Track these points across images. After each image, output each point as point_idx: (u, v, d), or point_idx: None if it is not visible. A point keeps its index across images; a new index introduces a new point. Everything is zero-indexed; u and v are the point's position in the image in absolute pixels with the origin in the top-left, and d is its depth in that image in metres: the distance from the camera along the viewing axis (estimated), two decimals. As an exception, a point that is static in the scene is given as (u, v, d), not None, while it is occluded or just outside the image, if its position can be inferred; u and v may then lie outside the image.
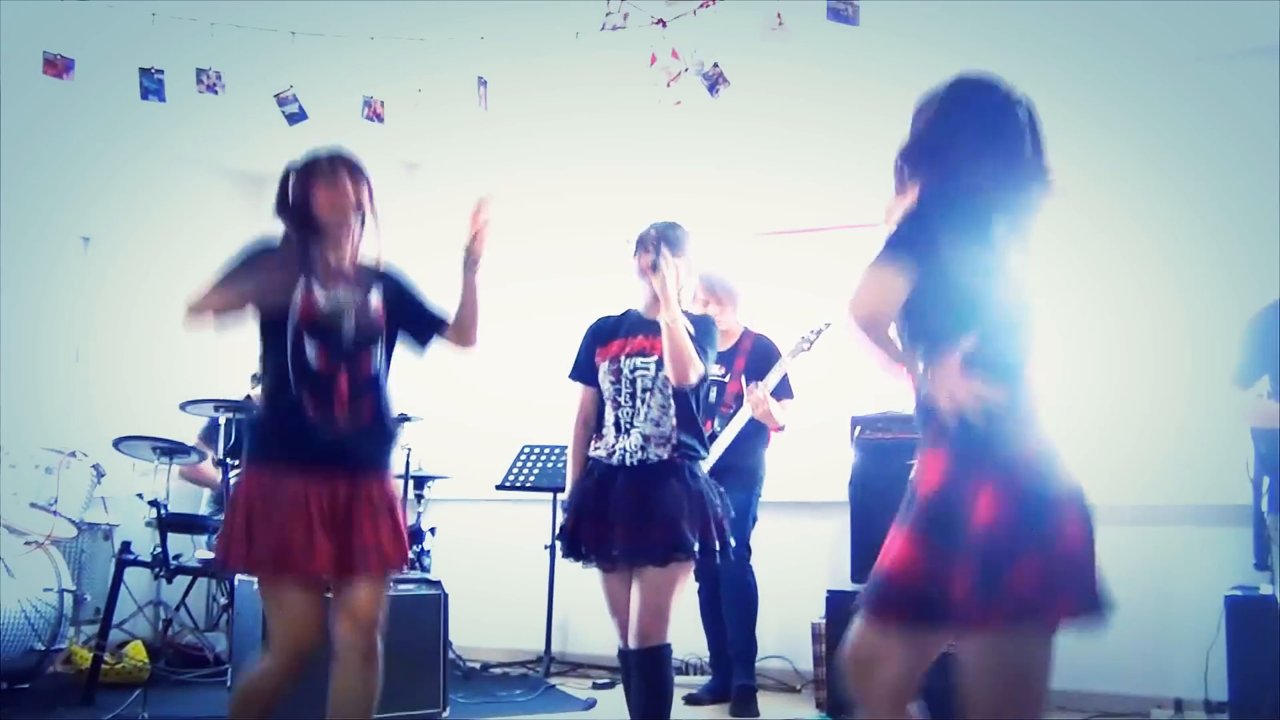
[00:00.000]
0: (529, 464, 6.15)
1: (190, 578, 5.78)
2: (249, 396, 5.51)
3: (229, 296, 3.03)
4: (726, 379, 5.18)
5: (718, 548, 3.42)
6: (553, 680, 5.87)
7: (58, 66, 4.88)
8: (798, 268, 6.16)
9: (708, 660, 5.52)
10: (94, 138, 6.53)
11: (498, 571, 6.47)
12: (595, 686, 5.72)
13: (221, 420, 5.41)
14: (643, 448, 3.46)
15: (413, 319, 3.25)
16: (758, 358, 5.20)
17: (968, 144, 2.31)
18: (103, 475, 5.52)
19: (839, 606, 4.90)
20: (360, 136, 5.94)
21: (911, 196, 2.34)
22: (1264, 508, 4.02)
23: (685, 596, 3.71)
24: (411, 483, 5.83)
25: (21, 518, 5.18)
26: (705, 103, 4.92)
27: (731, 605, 5.14)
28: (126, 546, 5.31)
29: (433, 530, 5.75)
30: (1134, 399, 5.26)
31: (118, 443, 5.51)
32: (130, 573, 5.33)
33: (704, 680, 5.50)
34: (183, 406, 5.51)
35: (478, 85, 5.08)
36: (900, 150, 2.38)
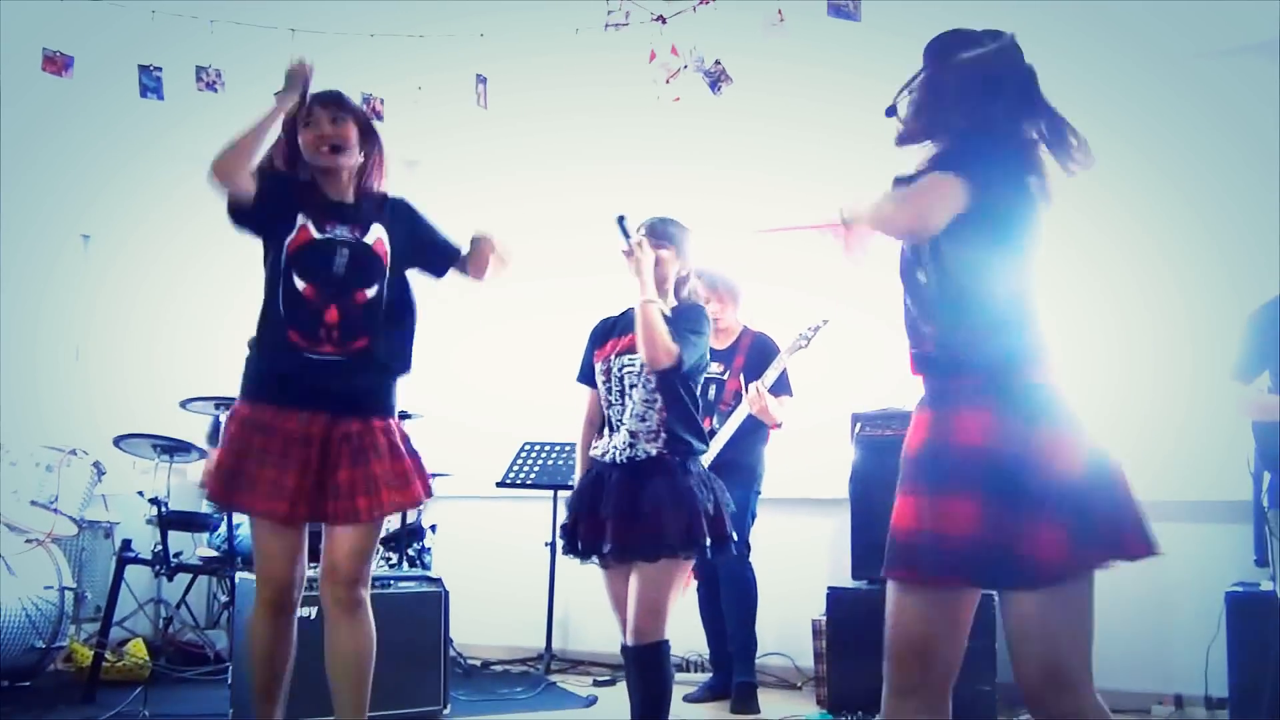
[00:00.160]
0: (530, 461, 6.15)
1: (191, 575, 5.79)
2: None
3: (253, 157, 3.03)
4: (725, 376, 5.19)
5: (708, 543, 3.39)
6: (553, 677, 5.87)
7: (57, 63, 4.88)
8: (797, 267, 6.15)
9: (708, 657, 5.52)
10: (94, 136, 6.52)
11: (498, 569, 6.47)
12: (596, 684, 5.72)
13: (222, 418, 5.41)
14: (630, 444, 3.46)
15: (425, 249, 3.26)
16: (757, 355, 5.21)
17: (1007, 97, 2.26)
18: (103, 473, 5.52)
19: (840, 603, 4.91)
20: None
21: (927, 150, 2.30)
22: (1265, 503, 4.03)
23: (685, 593, 3.71)
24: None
25: (22, 515, 5.19)
26: (705, 102, 4.91)
27: (731, 602, 5.14)
28: (127, 544, 5.31)
29: (433, 528, 5.76)
30: (1133, 395, 5.26)
31: (118, 440, 5.51)
32: (131, 570, 5.33)
33: (704, 678, 5.50)
34: (183, 404, 5.51)
35: (476, 83, 5.07)
36: (921, 97, 2.31)
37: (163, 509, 5.23)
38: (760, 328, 5.34)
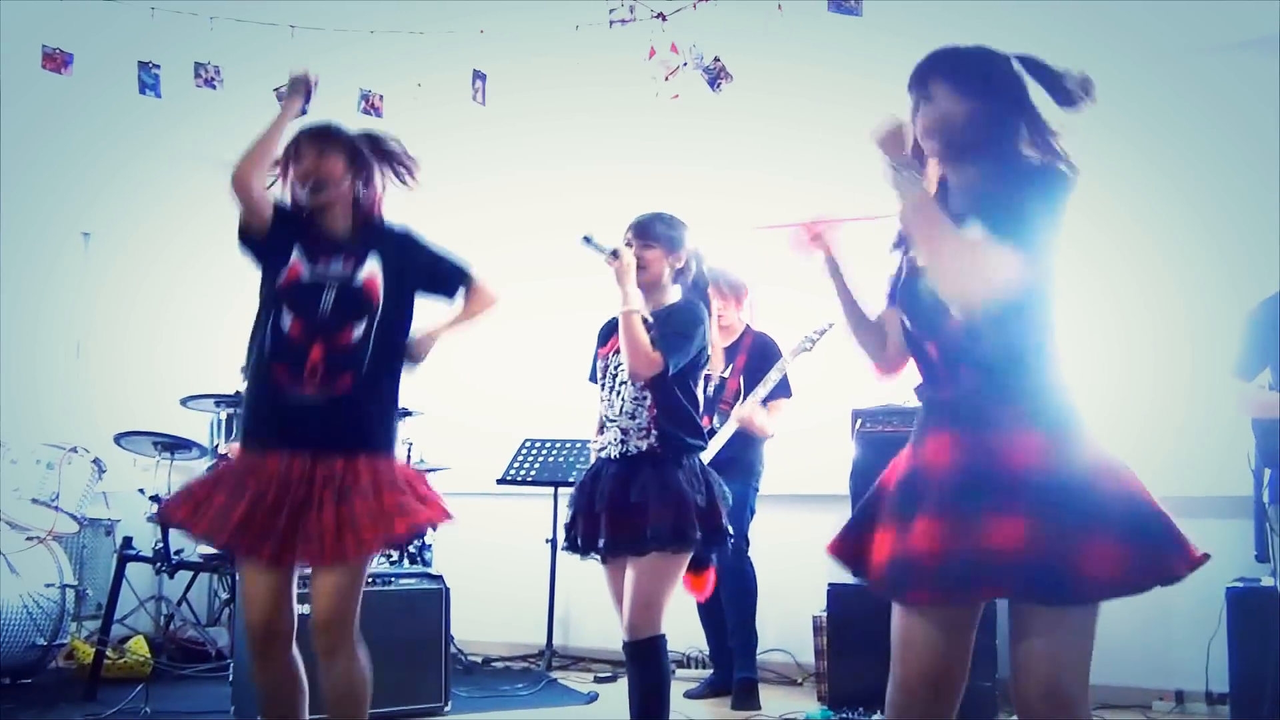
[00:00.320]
0: (530, 458, 6.15)
1: (192, 573, 5.80)
2: (238, 393, 5.52)
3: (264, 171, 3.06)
4: (727, 375, 5.19)
5: (699, 536, 3.38)
6: (554, 674, 5.87)
7: (57, 61, 4.88)
8: (797, 266, 6.13)
9: (708, 654, 5.53)
10: (94, 133, 6.52)
11: (499, 566, 6.48)
12: (597, 680, 5.73)
13: (222, 416, 5.42)
14: (623, 440, 3.47)
15: (428, 277, 3.21)
16: (758, 356, 5.21)
17: (1038, 120, 2.25)
18: (104, 470, 5.53)
19: (840, 600, 4.91)
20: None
21: (952, 174, 2.29)
22: (1265, 499, 4.03)
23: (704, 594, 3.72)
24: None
25: (23, 513, 5.19)
26: (705, 102, 4.91)
27: (729, 598, 5.14)
28: (128, 542, 5.32)
29: (434, 525, 5.75)
30: (1134, 392, 5.26)
31: (118, 438, 5.52)
32: (132, 568, 5.34)
33: (706, 674, 5.51)
34: (183, 402, 5.51)
35: (474, 79, 5.06)
36: (942, 122, 2.27)
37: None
38: (762, 328, 5.35)
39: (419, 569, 5.25)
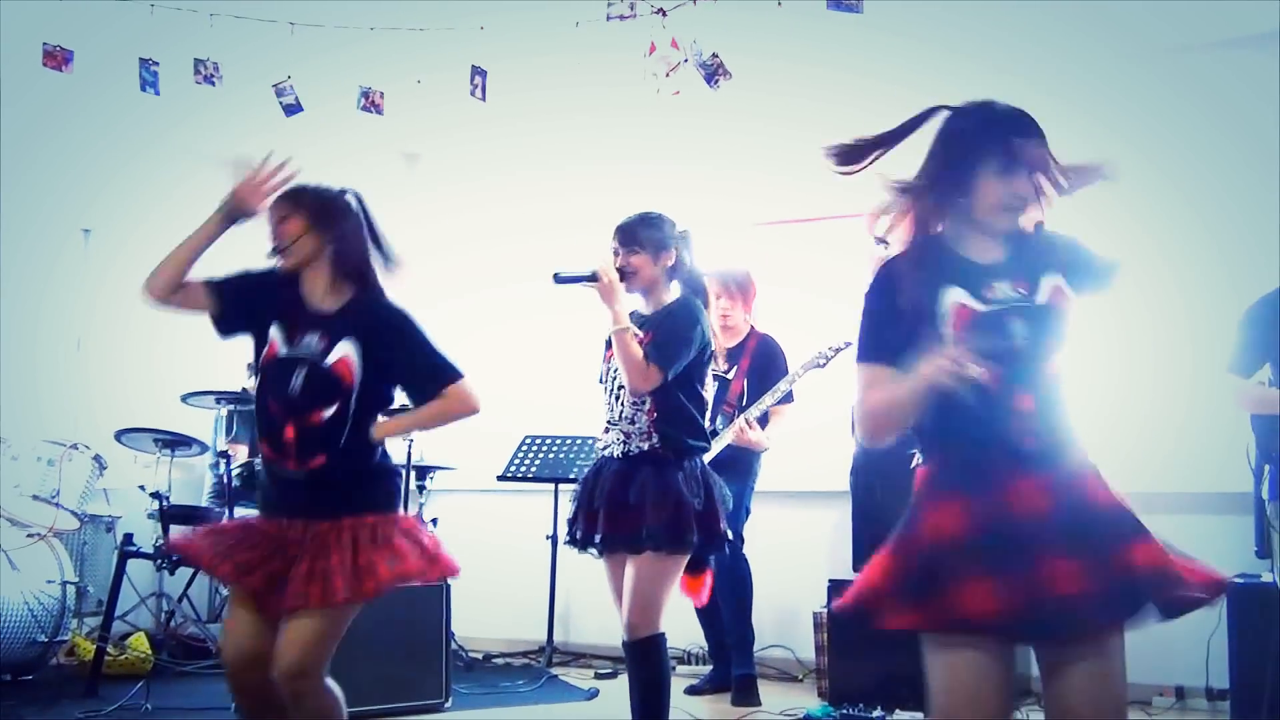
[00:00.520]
0: (531, 455, 6.15)
1: (193, 569, 5.79)
2: (245, 389, 5.52)
3: (185, 276, 2.97)
4: (731, 376, 5.18)
5: (695, 538, 3.39)
6: (555, 670, 5.88)
7: (57, 58, 4.88)
8: (798, 265, 6.13)
9: (707, 650, 5.53)
10: (95, 130, 6.52)
11: (500, 562, 6.47)
12: (597, 676, 5.74)
13: (222, 413, 5.42)
14: (624, 442, 3.49)
15: (408, 374, 3.03)
16: (762, 358, 5.21)
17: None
18: (104, 467, 5.53)
19: (840, 596, 4.90)
20: (359, 127, 5.97)
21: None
22: (1265, 495, 4.02)
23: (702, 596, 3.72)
24: (414, 474, 5.84)
25: (23, 510, 5.20)
26: (706, 101, 4.90)
27: (726, 595, 5.13)
28: (129, 538, 5.32)
29: (434, 521, 5.76)
30: (1135, 389, 5.26)
31: (119, 435, 5.52)
32: (133, 564, 5.34)
33: (706, 670, 5.51)
34: (184, 399, 5.51)
35: (473, 75, 5.06)
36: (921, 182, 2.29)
37: (164, 503, 5.24)
38: (766, 329, 5.35)
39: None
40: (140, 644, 5.51)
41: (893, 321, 2.24)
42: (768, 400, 5.08)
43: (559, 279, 3.50)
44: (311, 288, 3.00)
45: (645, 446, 3.46)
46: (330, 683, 2.95)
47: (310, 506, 2.92)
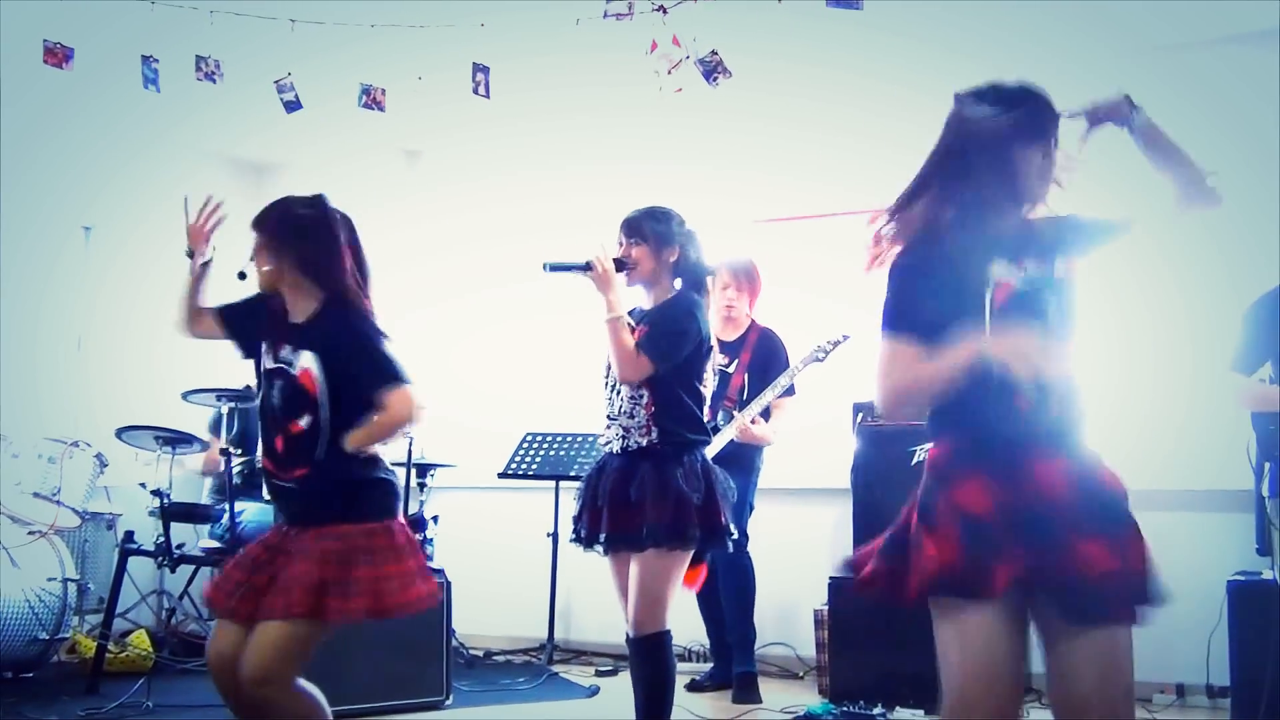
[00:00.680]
0: (532, 452, 6.15)
1: (193, 567, 5.79)
2: (249, 386, 5.51)
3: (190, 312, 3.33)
4: (732, 370, 5.18)
5: (697, 534, 3.39)
6: (556, 668, 5.88)
7: (58, 55, 4.88)
8: (797, 264, 6.11)
9: (709, 647, 5.53)
10: (96, 128, 6.52)
11: (500, 560, 6.48)
12: (598, 674, 5.73)
13: (224, 410, 5.42)
14: (623, 436, 3.49)
15: (357, 385, 2.98)
16: (763, 351, 5.21)
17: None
18: (105, 465, 5.53)
19: (841, 593, 4.91)
20: (360, 124, 5.97)
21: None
22: (1265, 493, 4.03)
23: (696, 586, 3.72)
24: (414, 471, 5.84)
25: (25, 507, 5.20)
26: (706, 101, 4.90)
27: (728, 592, 5.15)
28: (130, 536, 5.32)
29: (435, 519, 5.77)
30: (1135, 387, 5.25)
31: (120, 432, 5.52)
32: (133, 562, 5.34)
33: (707, 667, 5.51)
34: (185, 396, 5.51)
35: (474, 72, 5.05)
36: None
37: (165, 500, 5.24)
38: (766, 323, 5.35)
39: (420, 563, 5.24)
40: (141, 641, 5.51)
41: (932, 293, 2.16)
42: (769, 395, 5.08)
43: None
44: (291, 303, 3.09)
45: (644, 441, 3.46)
46: (306, 686, 2.95)
47: (299, 515, 3.05)
